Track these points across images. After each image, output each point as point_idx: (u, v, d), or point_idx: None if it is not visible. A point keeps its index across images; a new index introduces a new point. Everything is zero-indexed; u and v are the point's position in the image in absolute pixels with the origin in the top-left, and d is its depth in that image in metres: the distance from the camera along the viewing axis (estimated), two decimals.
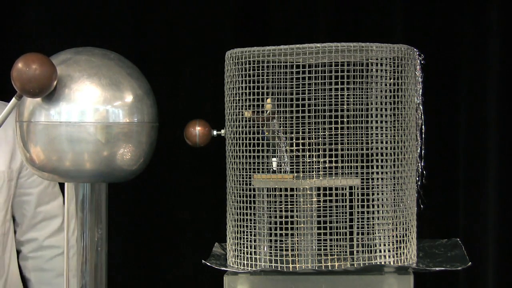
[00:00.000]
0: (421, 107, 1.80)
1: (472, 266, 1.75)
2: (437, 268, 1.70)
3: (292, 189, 1.73)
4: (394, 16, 2.36)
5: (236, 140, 1.75)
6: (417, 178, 1.80)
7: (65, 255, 1.93)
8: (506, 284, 2.35)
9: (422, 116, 1.81)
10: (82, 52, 1.92)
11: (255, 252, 1.73)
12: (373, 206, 1.75)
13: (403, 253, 1.73)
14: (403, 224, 1.73)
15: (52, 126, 1.83)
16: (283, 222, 1.71)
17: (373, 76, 1.73)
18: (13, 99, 1.64)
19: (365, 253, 1.73)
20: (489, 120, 2.33)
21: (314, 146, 1.69)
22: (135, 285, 2.46)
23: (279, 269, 1.69)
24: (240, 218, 1.75)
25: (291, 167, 1.76)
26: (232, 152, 1.76)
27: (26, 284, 2.46)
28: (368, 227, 1.77)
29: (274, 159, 1.74)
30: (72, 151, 1.83)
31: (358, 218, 1.73)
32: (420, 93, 1.80)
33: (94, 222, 1.92)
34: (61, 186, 1.94)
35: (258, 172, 1.72)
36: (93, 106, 1.84)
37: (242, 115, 1.74)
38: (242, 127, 1.74)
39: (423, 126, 1.82)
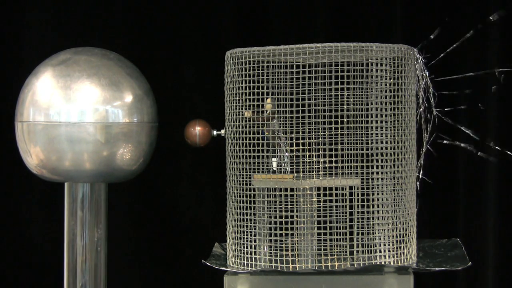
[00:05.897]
0: (427, 104, 1.81)
1: (472, 266, 1.75)
2: (437, 268, 1.70)
3: (292, 189, 1.73)
4: (394, 16, 2.36)
5: (236, 140, 1.74)
6: (417, 175, 1.80)
7: (65, 255, 1.93)
8: (506, 284, 2.35)
9: (434, 114, 1.81)
10: (82, 52, 1.92)
11: (255, 252, 1.73)
12: (373, 206, 1.75)
13: (403, 253, 1.73)
14: (403, 224, 1.73)
15: (52, 126, 1.83)
16: (283, 222, 1.71)
17: (373, 76, 1.73)
18: None
19: (365, 253, 1.73)
20: (489, 119, 2.33)
21: (314, 146, 1.69)
22: (134, 285, 2.46)
23: (279, 269, 1.69)
24: (240, 218, 1.74)
25: (291, 167, 1.76)
26: (232, 152, 1.76)
27: None
28: (368, 227, 1.77)
29: (274, 159, 1.74)
30: (71, 151, 1.83)
31: (358, 218, 1.73)
32: (431, 90, 1.80)
33: (94, 222, 1.92)
34: (61, 186, 1.94)
35: (258, 172, 1.72)
36: (92, 106, 1.84)
37: (242, 115, 1.74)
38: (242, 127, 1.74)
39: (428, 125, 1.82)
